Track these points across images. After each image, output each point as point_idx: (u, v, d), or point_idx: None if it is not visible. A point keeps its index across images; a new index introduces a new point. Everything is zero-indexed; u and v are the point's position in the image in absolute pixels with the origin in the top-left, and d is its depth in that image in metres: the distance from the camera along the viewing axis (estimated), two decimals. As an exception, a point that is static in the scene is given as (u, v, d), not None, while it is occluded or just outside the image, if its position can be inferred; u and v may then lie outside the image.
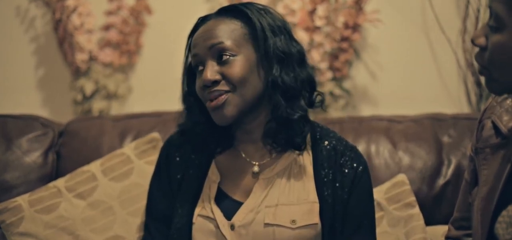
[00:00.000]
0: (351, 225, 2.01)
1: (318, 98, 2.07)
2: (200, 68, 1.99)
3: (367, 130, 2.72)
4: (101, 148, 2.71)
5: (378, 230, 2.41)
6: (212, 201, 2.00)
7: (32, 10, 3.43)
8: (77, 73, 3.35)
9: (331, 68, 3.28)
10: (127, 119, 2.83)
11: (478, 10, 3.25)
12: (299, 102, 2.00)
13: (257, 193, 1.99)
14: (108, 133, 2.75)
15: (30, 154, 2.68)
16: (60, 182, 2.50)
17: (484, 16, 3.24)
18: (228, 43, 1.95)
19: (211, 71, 1.94)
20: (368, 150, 2.67)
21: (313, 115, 3.17)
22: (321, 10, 3.22)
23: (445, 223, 2.48)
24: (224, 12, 2.03)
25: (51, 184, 2.50)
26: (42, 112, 3.37)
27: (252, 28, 1.99)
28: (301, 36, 3.20)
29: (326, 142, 2.07)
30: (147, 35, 3.40)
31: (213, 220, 1.98)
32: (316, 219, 1.97)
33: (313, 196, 2.00)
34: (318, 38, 3.24)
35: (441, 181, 2.61)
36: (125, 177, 2.50)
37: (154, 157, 2.47)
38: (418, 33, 3.34)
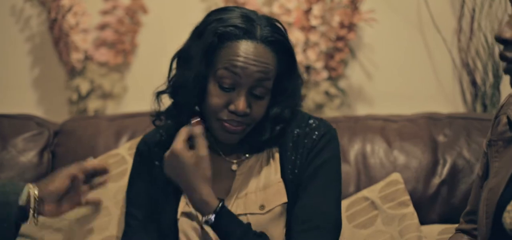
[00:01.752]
0: (302, 185, 2.03)
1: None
2: (231, 86, 1.94)
3: (362, 129, 2.72)
4: (96, 147, 2.70)
5: (372, 229, 2.42)
6: None
7: (27, 9, 3.43)
8: (73, 72, 3.34)
9: (327, 67, 3.28)
10: (123, 118, 2.83)
11: (474, 10, 3.25)
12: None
13: (235, 190, 2.04)
14: (104, 133, 2.75)
15: (25, 153, 2.68)
16: (55, 182, 2.50)
17: (480, 15, 3.24)
18: (268, 83, 1.96)
19: (245, 103, 1.93)
20: (363, 150, 2.67)
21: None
22: (316, 9, 3.22)
23: (441, 222, 2.50)
24: (271, 43, 1.96)
25: (46, 184, 2.50)
26: (37, 111, 3.36)
27: (282, 68, 1.99)
28: (297, 35, 3.20)
29: (295, 128, 2.07)
30: (143, 35, 3.39)
31: (195, 217, 2.01)
32: (284, 198, 2.01)
33: (278, 176, 2.03)
34: (313, 37, 3.24)
35: (436, 180, 2.61)
36: (120, 177, 2.50)
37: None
38: (413, 33, 3.34)
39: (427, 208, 2.58)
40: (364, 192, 2.50)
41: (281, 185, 2.02)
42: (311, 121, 2.08)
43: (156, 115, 2.12)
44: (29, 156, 2.68)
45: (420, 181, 2.61)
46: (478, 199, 1.89)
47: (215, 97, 1.94)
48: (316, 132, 2.06)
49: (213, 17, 2.00)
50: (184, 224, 2.02)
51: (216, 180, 2.01)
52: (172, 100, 2.07)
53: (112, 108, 3.37)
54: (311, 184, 2.02)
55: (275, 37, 1.96)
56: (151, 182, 2.10)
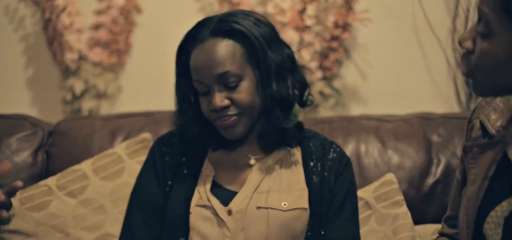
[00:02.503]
0: (333, 209, 2.09)
1: (310, 98, 2.16)
2: (205, 90, 2.04)
3: (356, 129, 2.72)
4: (91, 147, 2.70)
5: (366, 228, 2.42)
6: (208, 191, 2.06)
7: (21, 9, 3.42)
8: (67, 72, 3.34)
9: (321, 67, 3.28)
10: (117, 118, 2.83)
11: (468, 10, 3.26)
12: (293, 109, 2.11)
13: (251, 183, 2.07)
14: (98, 133, 2.75)
15: (20, 153, 2.67)
16: (51, 180, 2.50)
17: (474, 15, 3.24)
18: (233, 69, 2.00)
19: (219, 97, 2.00)
20: (358, 149, 2.67)
21: (303, 115, 3.18)
22: (311, 9, 3.23)
23: (435, 222, 2.50)
24: (220, 33, 2.03)
25: (42, 182, 2.50)
26: (31, 111, 3.36)
27: (249, 46, 2.03)
28: (291, 35, 3.20)
29: (314, 140, 2.18)
30: (137, 35, 3.39)
31: (210, 207, 2.04)
32: (305, 204, 2.06)
33: (303, 183, 2.09)
34: (308, 37, 3.24)
35: (430, 180, 2.61)
36: (117, 176, 2.50)
37: (145, 157, 2.47)
38: (408, 33, 3.34)
39: (421, 207, 2.58)
40: (358, 192, 2.50)
41: (305, 193, 2.08)
42: (334, 145, 2.18)
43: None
44: (23, 156, 2.68)
45: (414, 181, 2.61)
46: (457, 204, 1.88)
47: (202, 105, 2.05)
48: (340, 159, 2.15)
49: (187, 33, 2.10)
50: (198, 216, 2.04)
51: (230, 171, 2.10)
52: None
53: (106, 108, 3.36)
54: (343, 210, 2.10)
55: (223, 26, 2.03)
56: (159, 179, 2.13)
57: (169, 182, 2.11)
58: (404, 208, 2.46)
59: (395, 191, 2.48)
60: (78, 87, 3.32)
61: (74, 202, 2.46)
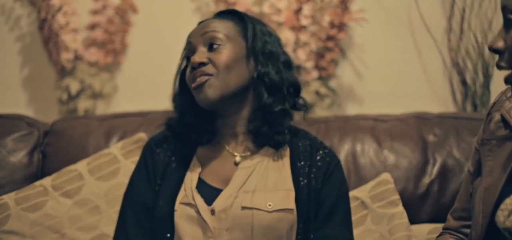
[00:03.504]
0: (323, 214, 2.07)
1: (301, 102, 2.17)
2: (189, 53, 2.10)
3: (352, 129, 2.72)
4: (86, 147, 2.70)
5: (362, 228, 2.42)
6: (194, 189, 2.05)
7: (17, 9, 3.42)
8: (63, 72, 3.34)
9: (317, 67, 3.28)
10: (113, 118, 2.83)
11: (464, 9, 3.26)
12: (282, 98, 2.10)
13: (236, 181, 2.06)
14: (94, 133, 2.75)
15: (15, 153, 2.67)
16: (46, 181, 2.50)
17: (470, 15, 3.25)
18: (220, 34, 2.06)
19: (200, 54, 2.05)
20: (354, 149, 2.67)
21: (298, 115, 3.18)
22: (307, 9, 3.23)
23: (431, 221, 2.50)
24: (222, 14, 2.16)
25: (37, 183, 2.50)
26: (27, 111, 3.36)
27: (245, 28, 2.11)
28: (287, 35, 3.21)
29: (303, 140, 2.16)
30: (133, 34, 3.39)
31: (194, 206, 2.02)
32: (292, 204, 2.04)
33: (289, 184, 2.07)
34: (304, 37, 3.24)
35: (426, 180, 2.62)
36: (112, 176, 2.50)
37: (140, 157, 2.49)
38: (403, 32, 3.35)
39: (417, 207, 2.58)
40: (354, 192, 2.51)
41: (292, 193, 2.06)
42: (322, 146, 2.16)
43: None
44: (19, 156, 2.67)
45: (410, 180, 2.61)
46: (467, 196, 1.90)
47: (186, 75, 2.09)
48: (328, 159, 2.13)
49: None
50: (182, 214, 2.03)
51: (216, 168, 2.10)
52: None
53: (102, 108, 3.36)
54: (334, 215, 2.08)
55: (228, 11, 2.18)
56: (150, 179, 2.12)
57: (159, 181, 2.10)
58: (400, 208, 2.47)
59: (391, 190, 2.49)
60: (74, 87, 3.32)
61: (69, 203, 2.46)
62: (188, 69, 2.07)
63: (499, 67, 1.64)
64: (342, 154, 2.66)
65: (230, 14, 2.15)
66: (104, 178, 2.50)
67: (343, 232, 2.08)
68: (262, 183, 2.06)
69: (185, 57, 2.12)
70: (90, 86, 3.34)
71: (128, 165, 2.51)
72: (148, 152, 2.16)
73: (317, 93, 3.29)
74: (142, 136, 2.58)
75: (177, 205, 2.04)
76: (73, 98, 3.34)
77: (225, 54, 2.04)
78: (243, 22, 2.12)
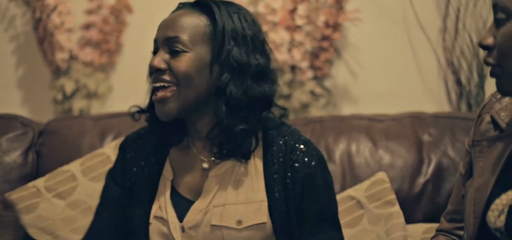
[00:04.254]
0: (311, 222, 1.95)
1: (277, 113, 2.03)
2: (154, 52, 1.99)
3: (347, 129, 2.72)
4: (81, 147, 2.70)
5: (358, 228, 2.42)
6: (167, 200, 1.96)
7: (11, 9, 3.42)
8: (57, 72, 3.34)
9: (312, 67, 3.28)
10: (108, 118, 2.82)
11: (458, 9, 3.26)
12: (245, 115, 1.93)
13: (207, 193, 1.96)
14: (89, 133, 2.75)
15: (10, 153, 2.67)
16: (39, 182, 2.49)
17: (464, 15, 3.25)
18: (184, 37, 1.92)
19: (159, 59, 1.92)
20: (349, 149, 2.67)
21: (294, 115, 3.19)
22: (301, 9, 3.23)
23: (426, 221, 2.50)
24: (198, 5, 1.98)
25: (30, 184, 2.50)
26: (21, 111, 3.35)
27: (214, 31, 1.94)
28: (282, 35, 3.21)
29: (278, 138, 2.01)
30: (128, 34, 3.39)
31: (166, 222, 1.94)
32: (264, 218, 1.93)
33: (262, 194, 1.96)
34: (298, 37, 3.24)
35: (421, 179, 2.62)
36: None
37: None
38: (398, 32, 3.35)
39: (412, 207, 2.59)
40: (350, 191, 2.51)
41: (264, 205, 1.94)
42: (298, 145, 2.00)
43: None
44: (14, 156, 2.67)
45: (405, 180, 2.62)
46: (459, 198, 1.90)
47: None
48: (307, 159, 1.98)
49: None
50: (155, 230, 1.96)
51: (186, 176, 2.00)
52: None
53: (97, 108, 3.36)
54: (326, 217, 1.98)
55: (205, 3, 1.98)
56: (121, 178, 2.06)
57: (129, 183, 2.03)
58: (397, 208, 2.47)
59: (387, 190, 2.49)
60: (69, 87, 3.31)
61: (62, 204, 2.45)
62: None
63: (487, 63, 1.64)
64: (337, 154, 2.66)
65: (206, 7, 1.97)
66: (97, 179, 2.49)
67: (336, 234, 1.99)
68: (232, 195, 1.95)
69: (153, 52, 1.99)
70: (84, 86, 3.34)
71: (122, 165, 2.51)
72: (121, 152, 2.09)
73: (312, 93, 3.29)
74: (137, 136, 2.58)
75: (152, 219, 1.96)
76: (68, 98, 3.34)
77: (185, 62, 1.90)
78: (215, 22, 1.95)
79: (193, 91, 1.91)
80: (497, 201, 1.68)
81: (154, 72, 1.93)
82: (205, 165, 1.99)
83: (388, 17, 3.34)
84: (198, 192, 1.97)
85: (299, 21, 3.23)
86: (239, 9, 2.00)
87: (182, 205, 1.96)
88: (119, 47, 3.39)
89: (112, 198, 2.05)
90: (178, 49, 1.91)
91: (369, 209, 2.46)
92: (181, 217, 1.94)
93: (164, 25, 1.96)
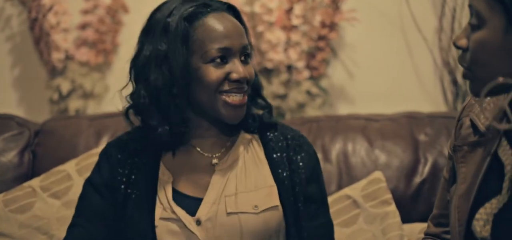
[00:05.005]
0: (314, 206, 2.05)
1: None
2: (223, 59, 1.94)
3: (344, 128, 2.72)
4: (77, 147, 2.69)
5: (354, 227, 2.42)
6: (171, 201, 1.96)
7: (7, 9, 3.41)
8: (53, 72, 3.33)
9: (308, 66, 3.28)
10: (104, 118, 2.82)
11: (454, 9, 3.26)
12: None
13: (215, 186, 1.97)
14: (85, 133, 2.74)
15: (6, 153, 2.66)
16: (34, 182, 2.49)
17: (460, 14, 3.25)
18: (250, 46, 2.00)
19: (243, 68, 1.95)
20: (345, 149, 2.67)
21: (291, 114, 3.19)
22: (298, 9, 3.23)
23: (422, 220, 2.50)
24: (229, 10, 2.02)
25: (25, 184, 2.49)
26: (17, 111, 3.35)
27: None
28: (278, 34, 3.20)
29: (272, 130, 2.10)
30: (124, 34, 3.38)
31: (176, 220, 1.93)
32: (276, 201, 1.98)
33: (270, 180, 2.01)
34: (295, 36, 3.24)
35: (417, 179, 2.62)
36: (101, 176, 2.49)
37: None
38: (394, 32, 3.35)
39: (409, 206, 2.59)
40: (346, 190, 2.51)
41: (274, 189, 2.00)
42: (299, 142, 2.09)
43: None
44: (10, 156, 2.67)
45: (402, 180, 2.62)
46: (445, 202, 1.89)
47: (213, 73, 1.92)
48: (303, 152, 2.08)
49: (164, 11, 2.01)
50: (164, 231, 1.93)
51: (189, 175, 2.00)
52: (149, 117, 1.99)
53: (93, 108, 3.36)
54: (325, 202, 2.10)
55: (229, 5, 2.02)
56: (104, 185, 2.03)
57: (120, 190, 2.00)
58: (393, 207, 2.47)
59: (383, 189, 2.49)
60: (65, 86, 3.31)
61: (58, 204, 2.45)
62: (220, 74, 1.92)
63: (461, 63, 1.64)
64: (334, 153, 2.66)
65: (239, 16, 2.04)
66: (94, 178, 2.49)
67: (330, 217, 2.10)
68: (242, 184, 1.99)
69: (215, 50, 1.93)
70: (81, 86, 3.34)
71: (117, 165, 2.51)
72: (104, 159, 2.07)
73: (308, 92, 3.29)
74: (132, 136, 2.58)
75: (157, 221, 1.94)
76: (64, 98, 3.34)
77: (252, 70, 2.00)
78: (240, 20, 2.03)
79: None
80: (481, 210, 1.67)
81: (240, 82, 1.95)
82: (215, 161, 2.02)
83: (384, 17, 3.34)
84: (204, 188, 1.98)
85: (295, 21, 3.23)
86: None
87: (188, 204, 1.95)
88: (115, 47, 3.39)
89: (92, 208, 2.02)
90: (249, 56, 1.99)
91: (365, 208, 2.46)
92: (191, 214, 1.94)
93: (235, 32, 1.97)
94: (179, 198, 1.96)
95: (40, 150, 2.72)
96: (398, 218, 2.45)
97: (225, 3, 2.02)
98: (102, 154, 2.08)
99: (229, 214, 1.94)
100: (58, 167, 2.53)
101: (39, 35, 3.30)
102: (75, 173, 2.50)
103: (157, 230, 1.94)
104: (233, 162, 2.02)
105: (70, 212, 2.42)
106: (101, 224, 2.00)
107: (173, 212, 1.94)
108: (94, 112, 3.25)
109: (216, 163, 2.01)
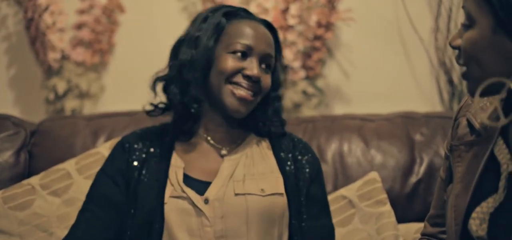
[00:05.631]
0: (316, 207, 2.14)
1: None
2: (243, 53, 2.10)
3: (339, 128, 2.72)
4: (73, 147, 2.69)
5: (350, 227, 2.43)
6: (181, 183, 2.06)
7: (3, 8, 3.41)
8: (49, 72, 3.33)
9: (304, 66, 3.28)
10: (100, 118, 2.82)
11: (450, 9, 3.27)
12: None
13: (225, 172, 2.09)
14: (81, 133, 2.74)
15: (2, 153, 2.66)
16: (34, 180, 2.49)
17: (456, 14, 3.26)
18: (272, 59, 2.14)
19: (258, 69, 2.09)
20: (341, 149, 2.68)
21: (287, 115, 3.19)
22: (294, 9, 3.23)
23: (418, 220, 2.50)
24: (268, 26, 2.19)
25: (25, 181, 2.49)
26: (13, 111, 3.35)
27: (276, 53, 2.19)
28: (274, 34, 3.21)
29: (283, 137, 2.23)
30: (120, 34, 3.38)
31: (186, 198, 2.03)
32: (281, 189, 2.09)
33: (276, 171, 2.13)
34: (291, 36, 3.24)
35: (413, 179, 2.62)
36: (100, 175, 2.49)
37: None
38: (390, 32, 3.35)
39: (404, 206, 2.59)
40: (342, 191, 2.51)
41: (280, 179, 2.11)
42: (305, 147, 2.23)
43: (155, 106, 2.22)
44: (6, 156, 2.66)
45: (397, 179, 2.62)
46: (441, 202, 1.90)
47: (230, 62, 2.09)
48: (310, 154, 2.21)
49: (215, 7, 2.22)
50: (173, 207, 2.03)
51: (201, 162, 2.12)
52: (172, 88, 2.16)
53: (89, 108, 3.36)
54: (327, 205, 2.19)
55: (269, 23, 2.20)
56: (117, 175, 2.13)
57: (134, 177, 2.10)
58: (388, 207, 2.47)
59: (379, 189, 2.49)
60: (61, 86, 3.31)
61: (58, 201, 2.45)
62: (236, 64, 2.08)
63: (458, 63, 1.67)
64: (329, 153, 2.66)
65: (272, 29, 2.20)
66: (92, 177, 2.49)
67: (326, 221, 2.16)
68: (250, 172, 2.10)
69: (239, 45, 2.10)
70: (77, 86, 3.34)
71: (116, 164, 2.51)
72: (120, 149, 2.17)
73: (304, 92, 3.29)
74: (131, 135, 2.58)
75: (167, 199, 2.04)
76: (60, 98, 3.34)
77: (270, 81, 2.13)
78: (279, 48, 2.20)
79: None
80: (478, 209, 1.68)
81: (250, 80, 2.09)
82: (224, 151, 2.14)
83: (380, 17, 3.34)
84: (213, 174, 2.09)
85: (291, 21, 3.23)
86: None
87: (198, 186, 2.06)
88: (111, 47, 3.39)
89: (103, 194, 2.11)
90: (269, 68, 2.13)
91: (360, 208, 2.46)
92: (200, 194, 2.05)
93: (263, 39, 2.14)
94: (189, 181, 2.07)
95: (36, 150, 2.72)
96: (393, 218, 2.46)
97: (266, 20, 2.20)
98: (118, 144, 2.19)
99: (236, 195, 2.04)
100: (58, 165, 2.53)
101: (35, 35, 3.29)
102: (74, 171, 2.50)
103: (166, 207, 2.03)
104: (242, 154, 2.14)
105: (70, 210, 2.43)
106: (111, 209, 2.09)
107: (183, 191, 2.04)
108: (90, 112, 3.25)
109: (225, 154, 2.13)
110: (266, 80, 2.12)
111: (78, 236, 2.07)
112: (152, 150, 2.15)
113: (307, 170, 2.16)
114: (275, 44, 2.17)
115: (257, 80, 2.08)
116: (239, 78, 2.08)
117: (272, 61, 2.14)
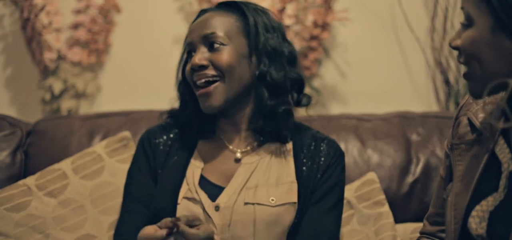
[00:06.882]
0: (316, 197, 2.10)
1: (305, 99, 2.19)
2: (193, 54, 2.09)
3: (336, 128, 2.72)
4: (69, 147, 2.69)
5: (348, 228, 2.42)
6: (197, 184, 2.06)
7: (-1, 8, 3.41)
8: (46, 72, 3.33)
9: (301, 66, 3.29)
10: (96, 118, 2.81)
11: (447, 9, 3.27)
12: (285, 98, 2.10)
13: (239, 178, 2.07)
14: (77, 133, 2.73)
15: (-2, 153, 2.66)
16: (30, 180, 2.48)
17: (453, 14, 3.26)
18: (220, 33, 2.06)
19: (200, 56, 2.06)
20: (337, 149, 2.68)
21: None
22: (290, 8, 3.23)
23: (415, 220, 2.50)
24: (223, 6, 2.14)
25: (21, 182, 2.48)
26: (10, 111, 3.35)
27: (247, 23, 2.10)
28: (271, 34, 3.21)
29: (305, 133, 2.19)
30: (116, 34, 3.38)
31: (198, 202, 2.04)
32: (294, 198, 2.06)
33: (292, 176, 2.09)
34: (287, 36, 3.24)
35: (409, 179, 2.62)
36: (96, 175, 2.48)
37: (125, 155, 2.48)
38: (387, 32, 3.35)
39: (401, 206, 2.59)
40: (340, 191, 2.51)
41: (295, 186, 2.08)
42: (326, 140, 2.18)
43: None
44: (2, 156, 2.66)
45: (394, 179, 2.62)
46: (441, 201, 1.91)
47: (187, 68, 2.11)
48: (332, 153, 2.15)
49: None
50: (185, 209, 2.04)
51: (217, 165, 2.12)
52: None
53: (85, 108, 3.35)
54: (322, 202, 2.11)
55: (229, 3, 2.16)
56: (150, 169, 2.16)
57: (159, 170, 2.13)
58: (386, 208, 2.47)
59: (377, 190, 2.49)
60: (57, 86, 3.31)
61: (54, 202, 2.44)
62: (189, 66, 2.09)
63: (459, 62, 1.68)
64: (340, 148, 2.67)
65: (231, 7, 2.14)
66: (88, 177, 2.49)
67: (329, 222, 2.10)
68: (264, 179, 2.07)
69: (187, 51, 2.13)
70: (73, 86, 3.33)
71: (112, 164, 2.50)
72: (146, 142, 2.19)
73: (301, 92, 3.29)
74: (127, 135, 2.57)
75: (180, 199, 2.05)
76: (56, 98, 3.33)
77: (226, 54, 2.05)
78: (244, 17, 2.11)
79: (237, 82, 2.06)
80: (478, 207, 1.69)
81: (197, 70, 2.05)
82: (238, 155, 2.12)
83: (376, 17, 3.34)
84: (228, 179, 2.08)
85: (288, 21, 3.23)
86: (260, 7, 2.18)
87: (212, 190, 2.06)
88: (108, 47, 3.39)
89: (145, 192, 2.14)
90: (217, 43, 2.05)
91: (359, 209, 2.46)
92: (212, 199, 2.05)
93: (197, 27, 2.10)
94: (204, 183, 2.08)
95: (32, 150, 2.71)
96: (391, 219, 2.46)
97: (223, 3, 2.16)
98: (144, 140, 2.21)
99: (246, 204, 2.03)
100: (54, 165, 2.52)
101: (31, 35, 3.29)
102: (70, 171, 2.49)
103: (179, 208, 2.04)
104: (260, 159, 2.12)
105: (66, 211, 2.42)
106: (151, 205, 2.11)
107: (197, 193, 2.05)
108: (86, 112, 3.25)
109: (239, 158, 2.12)
110: (219, 57, 2.05)
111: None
112: (175, 145, 2.17)
113: (322, 167, 2.12)
114: (237, 14, 2.12)
115: (197, 68, 2.05)
116: (193, 76, 2.08)
117: (214, 37, 2.06)
